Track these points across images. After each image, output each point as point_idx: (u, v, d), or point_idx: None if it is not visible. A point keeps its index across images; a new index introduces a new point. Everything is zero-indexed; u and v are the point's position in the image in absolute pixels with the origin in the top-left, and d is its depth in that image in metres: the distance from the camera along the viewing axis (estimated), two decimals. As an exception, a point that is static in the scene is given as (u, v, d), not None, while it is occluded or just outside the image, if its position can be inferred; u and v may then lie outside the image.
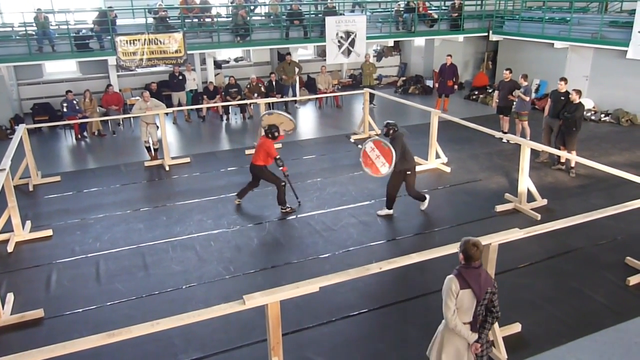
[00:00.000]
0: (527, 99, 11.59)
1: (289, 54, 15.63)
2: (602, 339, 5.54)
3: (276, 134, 8.51)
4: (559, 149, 9.67)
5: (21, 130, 9.58)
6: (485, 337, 4.18)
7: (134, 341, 4.13)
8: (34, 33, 13.15)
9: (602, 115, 14.24)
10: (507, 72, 12.06)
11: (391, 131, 8.13)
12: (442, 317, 4.09)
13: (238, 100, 14.40)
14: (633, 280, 6.50)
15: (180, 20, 14.56)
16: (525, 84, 11.56)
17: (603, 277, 6.65)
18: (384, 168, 7.77)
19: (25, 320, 5.91)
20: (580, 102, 9.82)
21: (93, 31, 13.83)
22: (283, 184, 8.51)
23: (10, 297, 6.28)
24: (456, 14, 17.23)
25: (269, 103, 14.42)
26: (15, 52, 13.04)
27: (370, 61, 15.84)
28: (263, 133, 8.65)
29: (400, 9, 17.12)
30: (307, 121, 15.14)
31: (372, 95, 15.60)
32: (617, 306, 6.05)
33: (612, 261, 7.01)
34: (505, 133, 11.36)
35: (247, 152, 11.76)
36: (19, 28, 13.48)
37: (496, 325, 5.03)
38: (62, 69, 15.87)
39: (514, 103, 11.96)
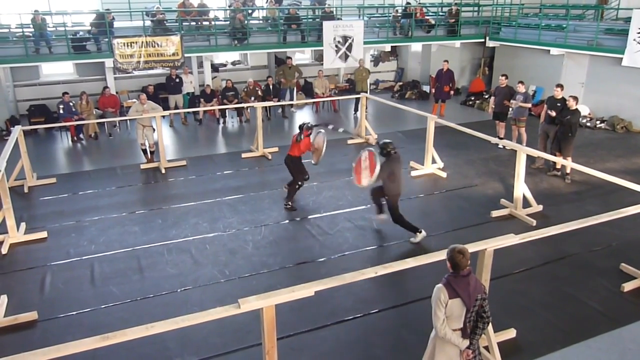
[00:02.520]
0: (529, 105, 11.64)
1: (289, 57, 15.66)
2: (596, 345, 5.55)
3: (309, 132, 9.04)
4: (555, 155, 9.70)
5: (17, 131, 9.55)
6: (476, 343, 4.18)
7: (129, 344, 4.13)
8: (31, 34, 13.12)
9: (598, 122, 14.31)
10: (503, 78, 12.11)
11: (384, 151, 7.58)
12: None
13: (235, 103, 14.41)
14: (628, 286, 6.52)
15: (177, 23, 14.56)
16: (523, 90, 11.60)
17: (598, 283, 6.67)
18: (365, 180, 7.51)
19: (18, 323, 5.88)
20: (576, 109, 9.85)
21: (90, 33, 13.81)
22: (299, 184, 8.92)
23: (4, 299, 6.23)
24: (453, 20, 17.31)
25: (266, 107, 14.47)
26: (12, 54, 13.01)
27: (364, 67, 15.84)
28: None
29: (398, 14, 17.18)
30: (304, 125, 15.13)
31: (357, 102, 15.72)
32: (611, 312, 6.07)
33: (607, 267, 7.03)
34: (501, 139, 11.40)
35: (244, 155, 11.77)
36: (16, 29, 13.44)
37: (491, 330, 5.04)
38: (58, 70, 15.85)
39: (510, 109, 12.00)
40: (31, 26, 13.11)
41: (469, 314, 4.01)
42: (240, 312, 4.00)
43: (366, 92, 15.10)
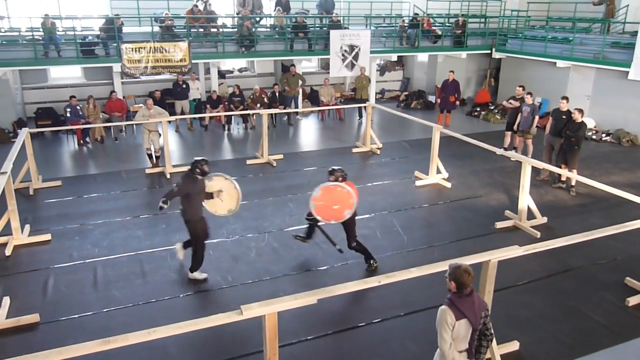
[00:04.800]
0: (537, 118, 11.62)
1: (293, 65, 15.72)
2: (600, 359, 5.51)
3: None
4: (560, 167, 9.68)
5: (24, 134, 9.60)
6: None
7: (130, 349, 4.11)
8: (40, 38, 13.23)
9: (603, 135, 14.29)
10: (520, 89, 12.04)
11: (191, 170, 6.81)
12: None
13: (241, 110, 14.45)
14: (632, 300, 6.48)
15: (186, 30, 14.65)
16: (531, 101, 11.58)
17: (602, 297, 6.63)
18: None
19: (20, 325, 5.89)
20: (582, 121, 9.85)
21: (99, 38, 13.91)
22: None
23: (6, 301, 6.24)
24: (460, 31, 17.35)
25: (271, 114, 14.51)
26: (21, 57, 13.10)
27: (364, 74, 15.88)
28: None
29: (405, 24, 17.25)
30: (309, 133, 15.18)
31: (360, 110, 15.75)
32: (615, 326, 6.03)
33: (612, 281, 6.99)
34: (505, 149, 11.38)
35: (249, 161, 11.79)
36: (26, 33, 13.56)
37: (494, 342, 5.00)
38: (66, 74, 15.94)
39: (518, 120, 11.93)
40: (41, 30, 13.21)
41: (475, 333, 3.95)
42: (243, 319, 3.99)
43: (367, 100, 15.17)
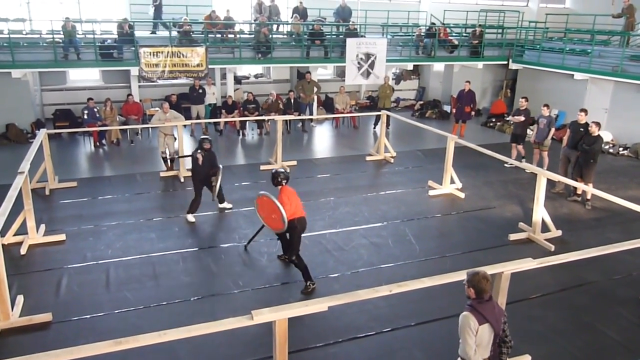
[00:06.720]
0: (553, 130, 11.53)
1: (308, 72, 15.78)
2: (614, 376, 5.42)
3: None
4: (576, 181, 9.57)
5: (42, 134, 9.73)
6: None
7: (140, 350, 4.13)
8: (60, 41, 13.44)
9: (621, 149, 14.12)
10: (523, 100, 12.10)
11: (200, 145, 9.06)
12: (452, 345, 4.03)
13: (255, 116, 14.52)
14: (648, 317, 6.38)
15: (203, 35, 14.80)
16: (547, 113, 11.48)
17: (617, 313, 6.52)
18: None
19: (33, 323, 5.94)
20: (599, 135, 9.75)
21: (117, 41, 14.06)
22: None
23: (20, 299, 6.32)
24: (477, 41, 17.31)
25: (286, 120, 14.57)
26: (41, 59, 13.32)
27: (388, 84, 15.89)
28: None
29: (421, 33, 17.25)
30: (323, 140, 15.20)
31: (378, 117, 15.73)
32: (630, 343, 5.93)
33: (627, 297, 6.88)
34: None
35: (262, 167, 11.82)
36: (46, 35, 13.79)
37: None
38: (85, 76, 16.16)
39: (529, 131, 11.87)
40: (61, 33, 13.42)
41: (497, 339, 3.92)
42: (253, 324, 3.99)
43: (388, 109, 15.15)
